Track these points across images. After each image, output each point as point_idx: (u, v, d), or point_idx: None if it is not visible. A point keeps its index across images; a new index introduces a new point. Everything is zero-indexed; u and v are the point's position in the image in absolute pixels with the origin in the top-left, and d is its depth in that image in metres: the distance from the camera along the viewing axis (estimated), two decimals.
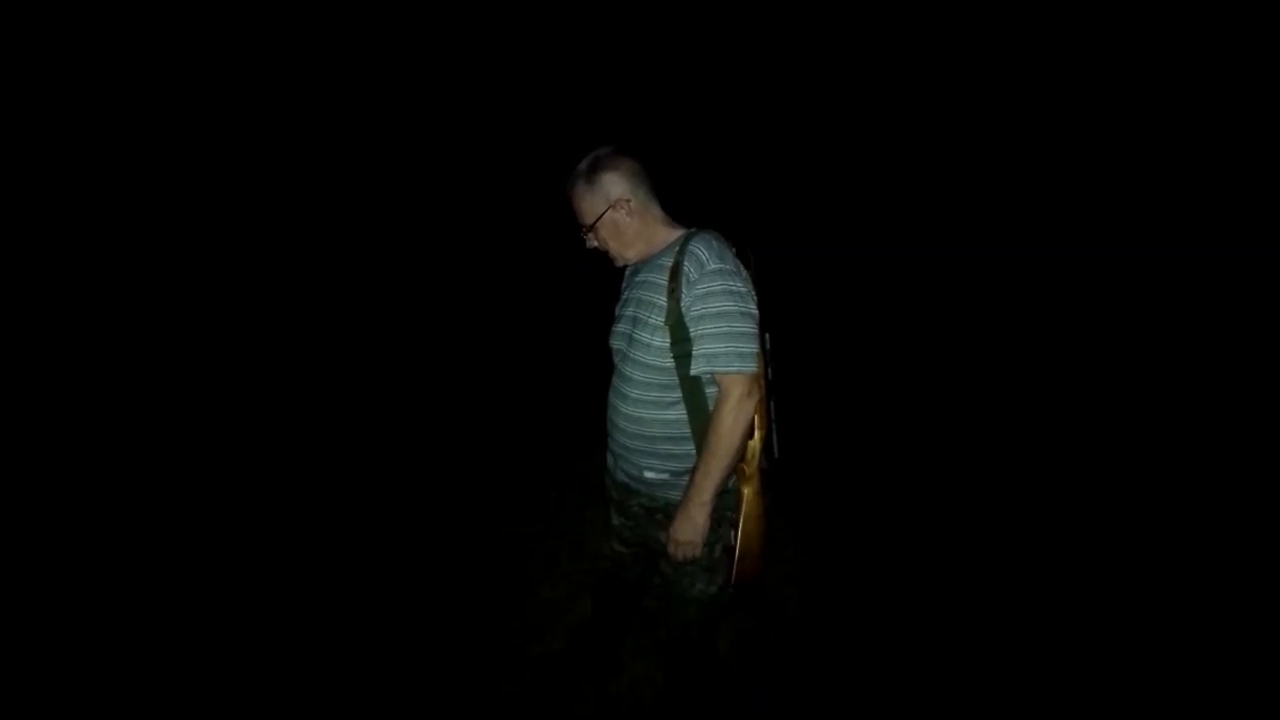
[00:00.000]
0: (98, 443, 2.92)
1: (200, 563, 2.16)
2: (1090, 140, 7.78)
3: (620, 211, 1.22)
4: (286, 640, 1.84)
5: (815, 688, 1.72)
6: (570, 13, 8.71)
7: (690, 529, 1.18)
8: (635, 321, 1.22)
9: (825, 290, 5.43)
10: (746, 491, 1.20)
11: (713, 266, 1.12)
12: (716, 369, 1.12)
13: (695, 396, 1.18)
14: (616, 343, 1.29)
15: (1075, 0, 7.95)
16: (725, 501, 1.23)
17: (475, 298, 5.39)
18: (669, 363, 1.17)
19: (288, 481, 2.68)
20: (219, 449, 2.93)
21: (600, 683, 1.70)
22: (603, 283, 1.64)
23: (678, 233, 1.24)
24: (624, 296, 1.32)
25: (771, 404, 1.22)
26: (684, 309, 1.13)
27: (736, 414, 1.12)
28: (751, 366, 1.12)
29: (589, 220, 1.24)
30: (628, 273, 1.37)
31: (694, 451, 1.20)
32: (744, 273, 1.19)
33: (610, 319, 1.34)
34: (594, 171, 1.21)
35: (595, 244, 1.28)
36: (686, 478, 1.22)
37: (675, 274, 1.14)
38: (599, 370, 1.41)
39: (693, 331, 1.13)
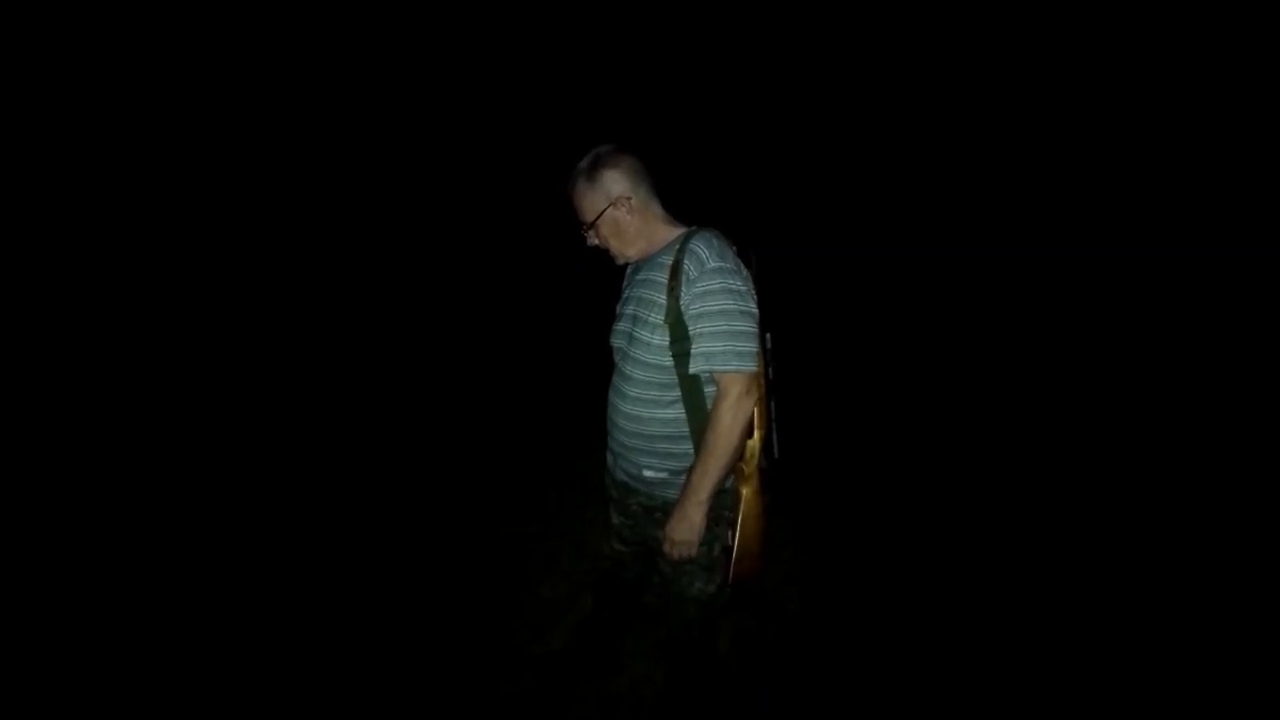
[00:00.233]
0: (98, 443, 2.92)
1: (201, 563, 2.16)
2: (1090, 140, 7.78)
3: (621, 209, 1.22)
4: (287, 640, 1.83)
5: (815, 688, 1.72)
6: (570, 13, 8.71)
7: (686, 528, 1.18)
8: (635, 320, 1.21)
9: (825, 290, 5.43)
10: (745, 491, 1.20)
11: (712, 265, 1.12)
12: (715, 367, 1.12)
13: (694, 395, 1.18)
14: (617, 341, 1.29)
15: (1075, 0, 7.96)
16: (724, 501, 1.23)
17: (475, 298, 5.39)
18: (668, 361, 1.17)
19: (288, 481, 2.68)
20: (219, 449, 2.93)
21: (600, 682, 1.70)
22: (603, 282, 1.64)
23: (678, 231, 1.24)
24: (625, 295, 1.32)
25: (772, 403, 1.22)
26: (683, 307, 1.13)
27: (734, 413, 1.11)
28: (750, 365, 1.12)
29: (589, 218, 1.23)
30: (628, 271, 1.37)
31: (693, 450, 1.20)
32: (744, 272, 1.18)
33: (610, 318, 1.34)
34: (595, 169, 1.21)
35: (596, 242, 1.28)
36: (685, 476, 1.21)
37: (675, 272, 1.14)
38: (599, 370, 1.41)
39: (692, 330, 1.13)
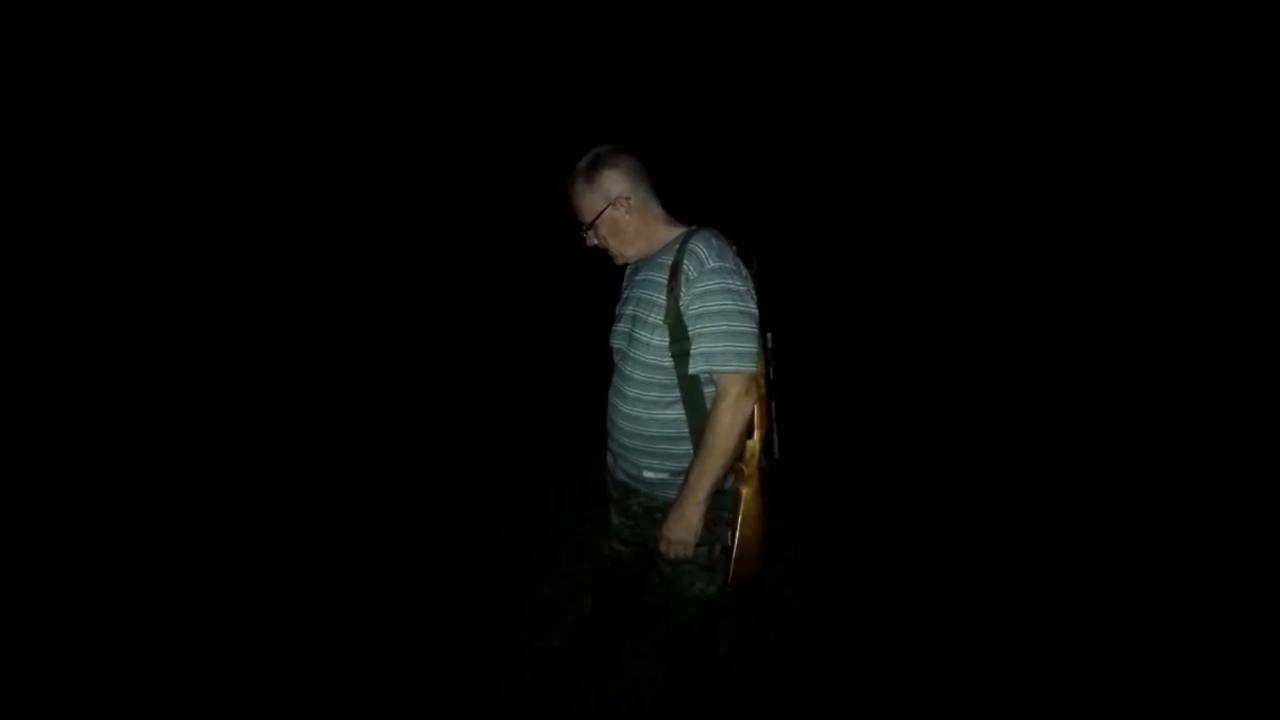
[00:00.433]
0: (98, 443, 2.92)
1: (201, 563, 2.15)
2: (1090, 140, 7.78)
3: (620, 209, 1.21)
4: (287, 640, 1.83)
5: (815, 688, 1.72)
6: (570, 13, 8.71)
7: (683, 528, 1.17)
8: (635, 320, 1.21)
9: (825, 290, 5.43)
10: (745, 491, 1.19)
11: (712, 265, 1.12)
12: (714, 368, 1.12)
13: (694, 396, 1.17)
14: (617, 342, 1.29)
15: (1075, 0, 7.96)
16: (724, 501, 1.23)
17: (475, 298, 5.39)
18: (668, 362, 1.17)
19: (288, 481, 2.68)
20: (220, 449, 2.93)
21: (600, 682, 1.70)
22: (603, 282, 1.64)
23: (678, 231, 1.24)
24: (624, 295, 1.32)
25: (772, 404, 1.22)
26: (683, 307, 1.13)
27: (733, 413, 1.11)
28: (749, 366, 1.11)
29: (588, 218, 1.23)
30: (628, 271, 1.37)
31: (693, 451, 1.19)
32: (744, 271, 1.18)
33: (610, 318, 1.33)
34: (594, 169, 1.21)
35: (595, 242, 1.27)
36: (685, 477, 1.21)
37: (675, 272, 1.14)
38: (599, 370, 1.41)
39: (691, 330, 1.13)
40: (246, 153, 6.77)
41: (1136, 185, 7.11)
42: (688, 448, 1.21)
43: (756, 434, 1.18)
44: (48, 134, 5.57)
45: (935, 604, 2.01)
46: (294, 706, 1.64)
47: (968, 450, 3.01)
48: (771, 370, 1.21)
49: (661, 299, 1.15)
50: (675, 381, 1.18)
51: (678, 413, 1.20)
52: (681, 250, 1.14)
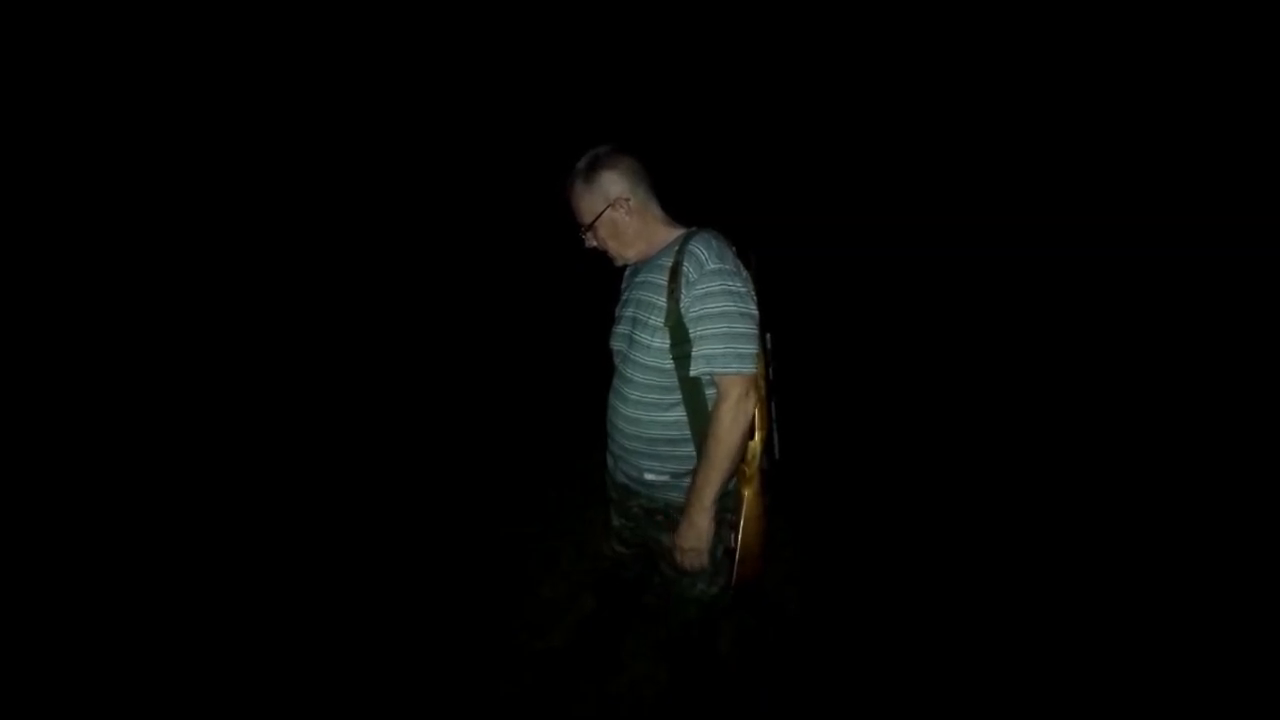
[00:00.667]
0: (98, 443, 2.92)
1: (201, 562, 2.16)
2: (1090, 140, 7.78)
3: (619, 210, 1.21)
4: (287, 640, 1.84)
5: (815, 688, 1.72)
6: (570, 13, 8.71)
7: (695, 535, 1.17)
8: (635, 322, 1.21)
9: (825, 290, 5.43)
10: (747, 493, 1.19)
11: (712, 266, 1.11)
12: (715, 370, 1.11)
13: (695, 398, 1.17)
14: (617, 344, 1.29)
15: (1075, 0, 7.95)
16: (725, 503, 1.22)
17: (475, 298, 5.39)
18: (669, 364, 1.17)
19: (289, 481, 2.68)
20: (220, 449, 2.93)
21: (600, 682, 1.70)
22: (603, 283, 1.64)
23: (677, 232, 1.24)
24: (624, 297, 1.32)
25: (773, 404, 1.21)
26: (683, 309, 1.12)
27: (735, 415, 1.11)
28: (750, 368, 1.11)
29: (588, 219, 1.23)
30: (627, 273, 1.36)
31: (694, 453, 1.19)
32: (744, 273, 1.18)
33: (610, 319, 1.33)
34: (593, 170, 1.21)
35: (594, 244, 1.27)
36: (686, 479, 1.21)
37: (675, 274, 1.13)
38: (599, 370, 1.41)
39: (692, 332, 1.12)
40: (247, 153, 6.77)
41: (1136, 185, 7.10)
42: (689, 450, 1.21)
43: (757, 435, 1.18)
44: (48, 134, 5.57)
45: (935, 604, 2.01)
46: (294, 706, 1.65)
47: (968, 450, 3.00)
48: (771, 371, 1.21)
49: (661, 301, 1.15)
50: (676, 384, 1.17)
51: (679, 415, 1.19)
52: (681, 252, 1.14)
